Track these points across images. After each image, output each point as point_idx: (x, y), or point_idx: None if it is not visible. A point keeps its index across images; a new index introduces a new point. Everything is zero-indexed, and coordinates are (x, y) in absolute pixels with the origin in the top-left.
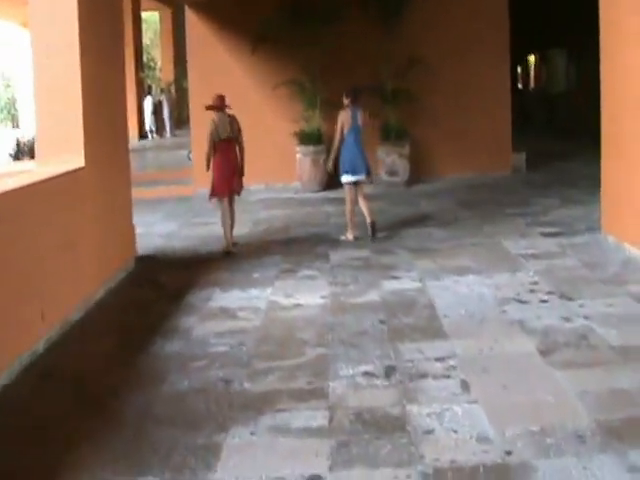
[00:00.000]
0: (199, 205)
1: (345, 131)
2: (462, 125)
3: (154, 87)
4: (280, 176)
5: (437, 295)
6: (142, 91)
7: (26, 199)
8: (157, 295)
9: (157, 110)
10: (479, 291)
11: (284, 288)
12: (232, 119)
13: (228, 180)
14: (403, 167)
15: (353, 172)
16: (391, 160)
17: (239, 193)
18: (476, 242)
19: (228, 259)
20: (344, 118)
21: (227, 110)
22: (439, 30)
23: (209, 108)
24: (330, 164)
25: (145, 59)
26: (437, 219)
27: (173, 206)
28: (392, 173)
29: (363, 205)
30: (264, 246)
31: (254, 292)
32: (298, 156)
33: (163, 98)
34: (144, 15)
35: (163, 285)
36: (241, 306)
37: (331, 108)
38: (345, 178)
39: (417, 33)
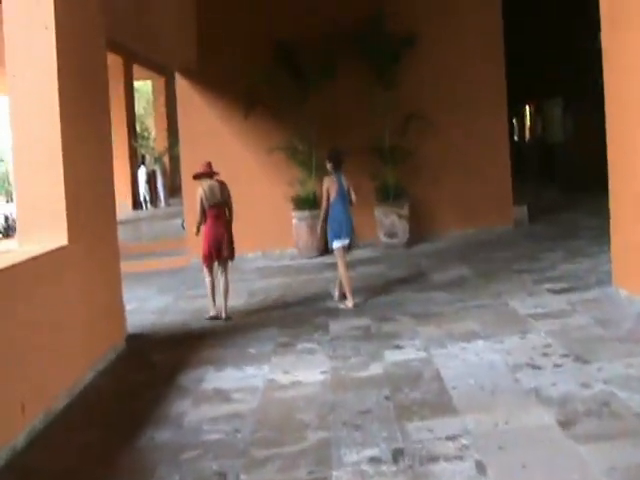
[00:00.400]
0: (194, 276)
1: (332, 197)
2: (462, 180)
3: (147, 157)
4: (277, 242)
5: (444, 365)
6: (136, 161)
7: (5, 281)
8: (148, 377)
9: (151, 180)
10: (489, 358)
11: (282, 364)
12: (221, 185)
13: (218, 246)
14: (402, 228)
15: (344, 237)
16: (390, 221)
17: (232, 259)
18: (482, 304)
19: (223, 334)
20: (329, 184)
21: (216, 176)
22: (436, 83)
23: (196, 177)
24: (319, 232)
25: (139, 129)
26: (439, 280)
27: (167, 278)
28: (391, 235)
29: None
30: (260, 318)
31: (250, 370)
32: (294, 221)
33: (157, 167)
34: (137, 84)
35: (154, 365)
36: (236, 387)
37: (327, 171)
38: (336, 244)
39: (414, 87)
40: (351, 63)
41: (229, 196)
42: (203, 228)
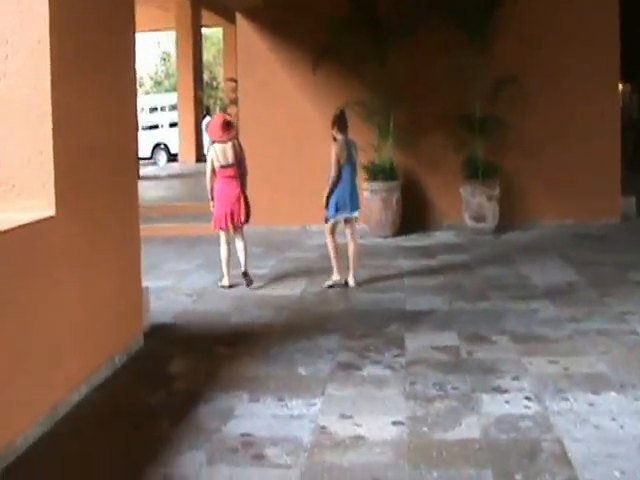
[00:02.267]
0: (249, 248)
1: (341, 165)
2: (562, 161)
3: (212, 107)
4: None
5: (569, 433)
6: (201, 111)
7: None
8: (156, 402)
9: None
10: (632, 427)
11: (340, 400)
12: (234, 144)
13: (231, 208)
14: (492, 211)
15: (343, 210)
16: (477, 203)
17: (247, 221)
18: (602, 329)
19: (269, 336)
20: (338, 151)
21: (231, 136)
22: (536, 46)
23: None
24: (324, 202)
25: (207, 77)
26: (542, 287)
27: (218, 248)
28: (479, 218)
29: (352, 249)
30: (320, 316)
31: (296, 406)
32: (366, 194)
33: None
34: (207, 31)
35: (171, 381)
36: (273, 435)
37: (407, 136)
38: (333, 216)
39: (509, 48)
40: (437, 16)
41: (243, 156)
42: (214, 191)
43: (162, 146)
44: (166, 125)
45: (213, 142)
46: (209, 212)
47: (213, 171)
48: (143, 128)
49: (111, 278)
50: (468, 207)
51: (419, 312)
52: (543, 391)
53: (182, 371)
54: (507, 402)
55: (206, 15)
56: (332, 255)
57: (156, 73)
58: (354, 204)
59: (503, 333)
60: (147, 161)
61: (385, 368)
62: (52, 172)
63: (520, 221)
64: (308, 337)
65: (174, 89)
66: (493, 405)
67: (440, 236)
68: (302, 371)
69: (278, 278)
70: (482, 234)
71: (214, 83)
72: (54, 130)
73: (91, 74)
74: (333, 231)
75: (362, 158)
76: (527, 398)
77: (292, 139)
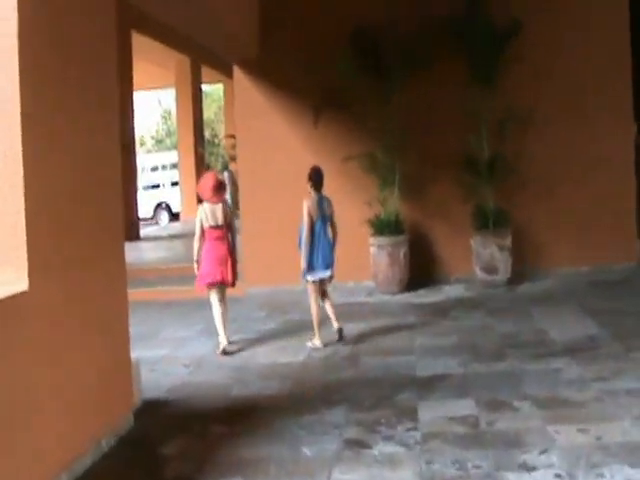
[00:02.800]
0: (248, 311)
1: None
2: (575, 203)
3: (213, 164)
4: (350, 273)
5: None
6: (202, 169)
7: None
8: None
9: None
10: None
11: None
12: (223, 205)
13: (216, 270)
14: (504, 262)
15: (321, 269)
16: (489, 254)
17: (233, 284)
18: (633, 388)
19: (271, 412)
20: (311, 206)
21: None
22: (547, 79)
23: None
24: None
25: (208, 135)
26: (562, 343)
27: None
28: (490, 270)
29: (329, 306)
30: (325, 386)
31: None
32: (372, 249)
33: (224, 176)
34: (207, 88)
35: (162, 467)
36: None
37: (413, 187)
38: (312, 276)
39: (518, 86)
40: (443, 56)
41: (232, 217)
42: (202, 251)
43: (164, 205)
44: (167, 184)
45: (200, 202)
46: None
47: (202, 231)
48: (144, 188)
49: (96, 354)
50: (479, 259)
51: (432, 377)
52: (575, 467)
53: (175, 455)
54: None
55: (206, 72)
56: (315, 318)
57: (157, 131)
58: (326, 262)
59: (525, 398)
60: (149, 221)
61: (398, 445)
62: (24, 242)
63: (533, 270)
64: (313, 410)
65: (175, 147)
66: None
67: (450, 290)
68: (306, 451)
69: (281, 343)
70: (494, 287)
71: (215, 140)
72: (26, 196)
73: (68, 135)
74: (315, 291)
75: (368, 212)
76: (558, 476)
77: (294, 195)
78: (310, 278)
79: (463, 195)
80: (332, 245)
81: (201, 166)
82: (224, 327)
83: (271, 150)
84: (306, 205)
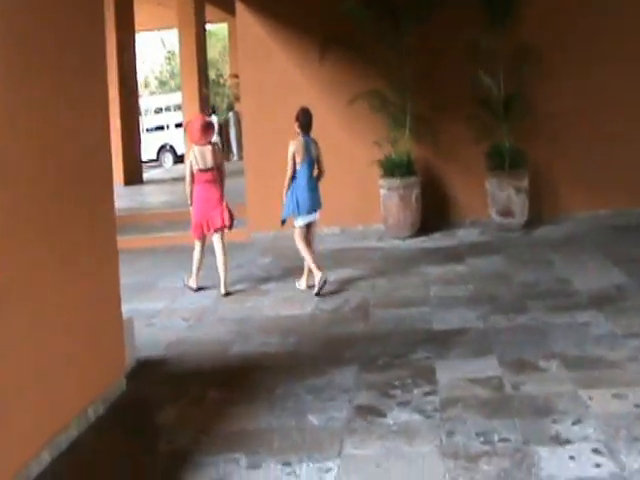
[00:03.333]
0: (253, 257)
1: (297, 164)
2: (594, 144)
3: (218, 105)
4: (360, 216)
5: None
6: (207, 110)
7: None
8: (136, 468)
9: (222, 130)
10: None
11: (362, 463)
12: (213, 147)
13: (212, 214)
14: (521, 205)
15: (308, 212)
16: (505, 196)
17: (230, 228)
18: None
19: (273, 372)
20: (296, 148)
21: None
22: (565, 17)
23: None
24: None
25: (214, 75)
26: (587, 293)
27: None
28: (506, 213)
29: (312, 252)
30: (333, 341)
31: (306, 473)
32: (382, 191)
33: (230, 116)
34: (212, 28)
35: (155, 439)
36: None
37: (425, 127)
38: (299, 221)
39: (535, 21)
40: None
41: (222, 159)
42: (193, 195)
43: (168, 147)
44: (172, 126)
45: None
46: None
47: (192, 175)
48: (148, 130)
49: (80, 310)
50: (494, 201)
51: (450, 332)
52: (614, 439)
53: (169, 425)
54: (572, 458)
55: (210, 11)
56: (308, 257)
57: (161, 73)
58: (313, 205)
59: (552, 357)
60: (153, 163)
61: (415, 412)
62: None
63: (550, 214)
64: (320, 371)
65: (179, 89)
66: (555, 464)
67: (465, 235)
68: (313, 420)
69: (286, 293)
70: (510, 230)
71: (221, 80)
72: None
73: (43, 79)
74: (302, 234)
75: (377, 153)
76: (596, 451)
77: (295, 136)
78: (299, 222)
79: (478, 135)
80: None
81: (206, 107)
82: (198, 270)
83: (275, 89)
84: (291, 148)
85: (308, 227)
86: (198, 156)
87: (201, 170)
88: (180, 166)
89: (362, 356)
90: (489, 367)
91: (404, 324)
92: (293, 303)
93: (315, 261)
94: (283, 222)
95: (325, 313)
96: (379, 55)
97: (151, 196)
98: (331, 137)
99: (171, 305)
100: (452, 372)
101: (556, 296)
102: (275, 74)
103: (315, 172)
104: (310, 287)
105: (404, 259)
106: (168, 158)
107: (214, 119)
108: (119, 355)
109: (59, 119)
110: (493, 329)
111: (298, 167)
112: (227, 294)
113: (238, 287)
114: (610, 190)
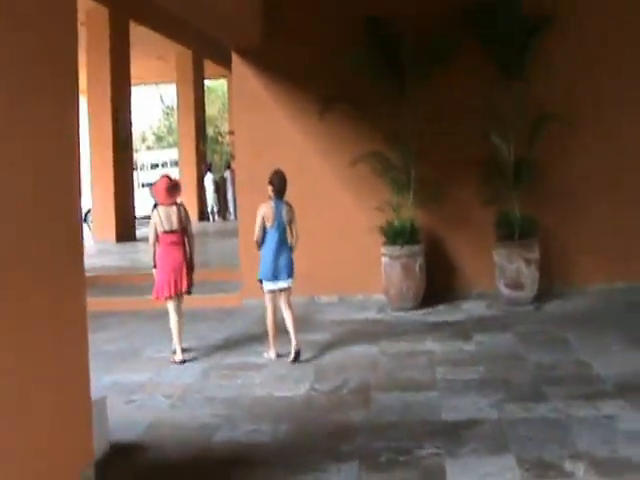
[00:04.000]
0: (244, 327)
1: (267, 229)
2: (608, 212)
3: (216, 163)
4: (360, 285)
5: None
6: (204, 167)
7: None
8: None
9: (220, 188)
10: None
11: None
12: (179, 208)
13: (173, 278)
14: (531, 277)
15: (276, 278)
16: (515, 268)
17: (189, 292)
18: None
19: (260, 469)
20: (266, 212)
21: (175, 198)
22: (585, 78)
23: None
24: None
25: (212, 132)
26: (611, 380)
27: (212, 326)
28: (515, 286)
29: (289, 320)
30: (329, 436)
31: None
32: (384, 259)
33: (227, 175)
34: (211, 84)
35: None
36: None
37: (430, 191)
38: (267, 286)
39: (549, 82)
40: (464, 49)
41: (188, 221)
42: (157, 258)
43: None
44: None
45: (155, 205)
46: (207, 281)
47: (157, 236)
48: (144, 185)
49: (39, 393)
50: (503, 273)
51: (461, 423)
52: None
53: None
54: None
55: (209, 66)
56: (270, 328)
57: (159, 128)
58: (279, 271)
59: (577, 457)
60: (149, 219)
61: None
62: None
63: (561, 286)
64: (316, 469)
65: (177, 144)
66: None
67: (471, 308)
68: None
69: (280, 370)
70: (519, 304)
71: (219, 138)
72: None
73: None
74: (272, 301)
75: (380, 218)
76: None
77: (295, 196)
78: (269, 287)
79: (485, 202)
80: (292, 253)
81: (202, 164)
82: (179, 336)
83: (271, 146)
84: (260, 211)
85: (282, 292)
86: (163, 217)
87: (165, 232)
88: None
89: (363, 451)
90: (506, 468)
91: (410, 412)
92: (287, 382)
93: (275, 337)
94: (260, 282)
95: (321, 396)
96: (383, 113)
97: (143, 254)
98: (330, 199)
99: (155, 378)
100: (465, 473)
101: (576, 382)
102: (272, 130)
103: (290, 238)
104: (279, 355)
105: (407, 334)
106: None
107: (210, 177)
108: (87, 443)
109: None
110: (509, 421)
111: (268, 231)
112: (183, 361)
113: (228, 360)
114: (626, 261)
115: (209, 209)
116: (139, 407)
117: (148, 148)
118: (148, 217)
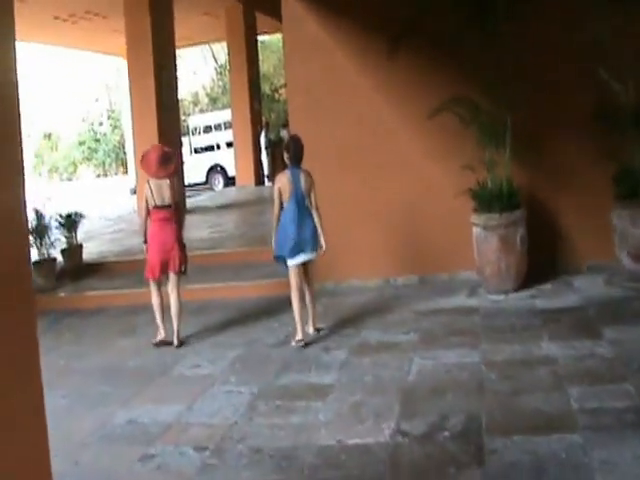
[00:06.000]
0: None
1: (284, 201)
2: None
3: (272, 121)
4: (443, 262)
5: None
6: (259, 127)
7: None
8: None
9: (275, 149)
10: None
11: None
12: (171, 182)
13: (166, 256)
14: None
15: (299, 252)
16: None
17: (184, 271)
18: None
19: None
20: (282, 183)
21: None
22: None
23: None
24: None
25: (268, 90)
26: None
27: (265, 324)
28: None
29: (309, 297)
30: None
31: None
32: (475, 231)
33: (284, 134)
34: (265, 39)
35: None
36: None
37: (530, 144)
38: (293, 260)
39: None
40: None
41: (180, 195)
42: (148, 234)
43: (218, 169)
44: (223, 145)
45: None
46: (259, 262)
47: (148, 211)
48: (197, 150)
49: None
50: (625, 240)
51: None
52: None
53: None
54: None
55: (263, 20)
56: (296, 311)
57: (212, 89)
58: (301, 244)
59: None
60: (202, 186)
61: None
62: None
63: None
64: None
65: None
66: None
67: (585, 286)
68: None
69: (354, 396)
70: None
71: (276, 95)
72: None
73: None
74: (296, 276)
75: (467, 180)
76: None
77: (361, 160)
78: (291, 262)
79: (598, 156)
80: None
81: (257, 124)
82: (162, 318)
83: (330, 98)
84: (277, 184)
85: (304, 266)
86: (154, 191)
87: (157, 207)
88: (232, 189)
89: None
90: None
91: (546, 475)
92: (362, 416)
93: (302, 317)
94: (276, 258)
95: (413, 443)
96: (468, 51)
97: (191, 230)
98: (405, 158)
99: (186, 414)
100: None
101: None
102: (331, 78)
103: (314, 210)
104: (317, 330)
105: (514, 330)
106: (219, 180)
107: (264, 137)
108: None
109: None
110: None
111: (285, 204)
112: (180, 345)
113: (283, 380)
114: None
115: (265, 172)
116: (158, 468)
117: (201, 111)
118: (200, 184)
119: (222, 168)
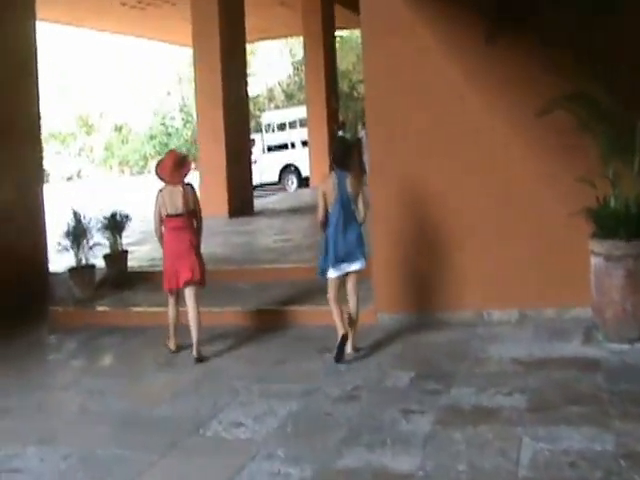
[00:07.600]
0: (376, 371)
1: (329, 205)
2: None
3: (350, 120)
4: (550, 295)
5: None
6: (336, 126)
7: None
8: None
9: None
10: None
11: None
12: (185, 189)
13: (180, 267)
14: None
15: (344, 261)
16: None
17: (202, 283)
18: None
19: None
20: (326, 188)
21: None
22: None
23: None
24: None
25: (346, 88)
26: None
27: (318, 375)
28: None
29: (354, 306)
30: None
31: None
32: (594, 260)
33: (363, 134)
34: (344, 34)
35: None
36: None
37: None
38: (334, 271)
39: None
40: None
41: (196, 203)
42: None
43: (292, 168)
44: (298, 144)
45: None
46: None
47: (161, 220)
48: (270, 148)
49: None
50: None
51: None
52: None
53: None
54: None
55: (342, 15)
56: (335, 311)
57: (288, 85)
58: (348, 253)
59: None
60: (274, 187)
61: None
62: None
63: None
64: None
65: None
66: None
67: None
68: None
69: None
70: None
71: (354, 93)
72: None
73: None
74: (335, 288)
75: (585, 196)
76: None
77: (450, 167)
78: (331, 272)
79: None
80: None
81: (334, 122)
82: (175, 332)
83: (415, 90)
84: (321, 187)
85: (347, 276)
86: (167, 198)
87: (169, 216)
88: (306, 190)
89: None
90: None
91: None
92: None
93: (343, 319)
94: (321, 273)
95: None
96: (582, 38)
97: (256, 236)
98: (504, 166)
99: None
100: None
101: None
102: (417, 67)
103: (361, 215)
104: (357, 350)
105: None
106: (292, 180)
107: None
108: None
109: None
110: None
111: (330, 209)
112: (199, 359)
113: (347, 460)
114: None
115: None
116: None
117: (277, 107)
118: (272, 184)
119: (296, 168)
